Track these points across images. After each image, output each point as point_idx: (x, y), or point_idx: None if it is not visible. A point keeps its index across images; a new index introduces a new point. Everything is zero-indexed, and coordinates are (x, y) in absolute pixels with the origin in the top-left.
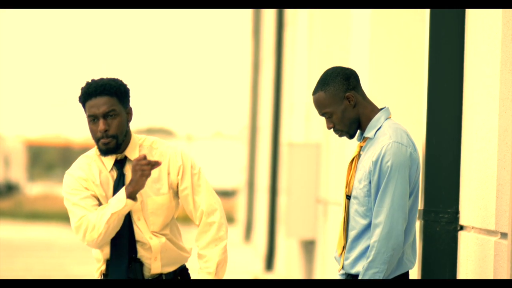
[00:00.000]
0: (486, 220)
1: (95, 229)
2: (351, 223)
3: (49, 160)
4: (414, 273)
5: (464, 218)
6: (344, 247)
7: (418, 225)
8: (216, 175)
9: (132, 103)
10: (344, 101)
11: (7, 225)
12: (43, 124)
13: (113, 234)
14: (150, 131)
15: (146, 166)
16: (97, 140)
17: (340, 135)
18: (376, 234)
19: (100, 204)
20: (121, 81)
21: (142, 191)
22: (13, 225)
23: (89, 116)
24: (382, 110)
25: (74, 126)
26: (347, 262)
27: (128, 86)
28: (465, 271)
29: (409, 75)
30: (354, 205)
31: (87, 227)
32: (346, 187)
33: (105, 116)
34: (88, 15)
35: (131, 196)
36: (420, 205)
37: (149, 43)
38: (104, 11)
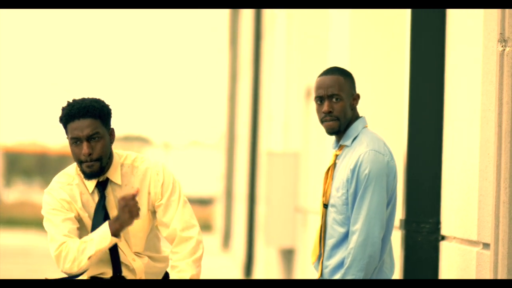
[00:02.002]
0: (468, 231)
1: (76, 261)
2: (329, 231)
3: (25, 167)
4: None
5: (445, 228)
6: (320, 256)
7: (399, 235)
8: (193, 183)
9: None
10: (351, 98)
11: None
12: (19, 130)
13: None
14: (127, 139)
15: (135, 208)
16: (80, 163)
17: (328, 125)
18: (352, 241)
19: (81, 224)
20: (103, 102)
21: None
22: None
23: (71, 139)
24: (359, 119)
25: (51, 133)
26: (326, 270)
27: (110, 107)
28: None
29: (389, 83)
30: (332, 214)
31: (66, 256)
32: (323, 196)
33: (89, 139)
34: (67, 18)
35: (116, 233)
36: (402, 215)
37: (125, 50)
38: (82, 14)
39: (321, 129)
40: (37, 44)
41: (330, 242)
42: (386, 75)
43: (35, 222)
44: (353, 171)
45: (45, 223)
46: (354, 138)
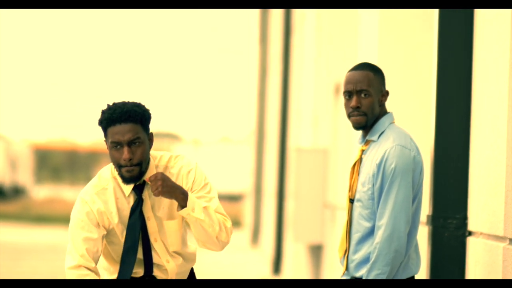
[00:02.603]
0: (494, 226)
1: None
2: (355, 226)
3: (55, 163)
4: (423, 279)
5: (472, 224)
6: (346, 251)
7: (426, 230)
8: (223, 179)
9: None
10: (380, 94)
11: (14, 228)
12: (50, 128)
13: None
14: (157, 136)
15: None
16: (119, 167)
17: (355, 120)
18: (378, 236)
19: (111, 233)
20: (144, 106)
21: (157, 214)
22: (20, 228)
23: (112, 143)
24: (387, 115)
25: (80, 130)
26: (352, 265)
27: (150, 112)
28: (473, 277)
29: (417, 79)
30: (358, 208)
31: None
32: (349, 190)
33: (130, 143)
34: (94, 18)
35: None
36: (429, 211)
37: (157, 48)
38: (111, 13)
39: (350, 125)
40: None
41: (356, 236)
42: (415, 71)
43: (64, 219)
44: (379, 166)
45: (69, 229)
46: (381, 134)
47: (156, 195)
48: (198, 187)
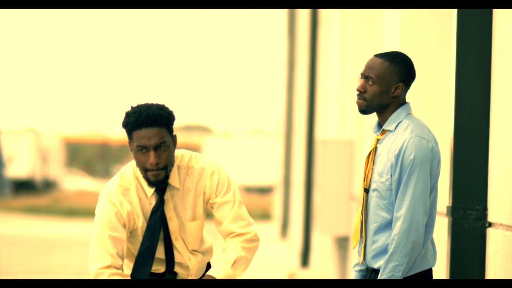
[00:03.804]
0: None
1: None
2: (371, 216)
3: (86, 157)
4: (443, 270)
5: (492, 215)
6: (363, 241)
7: (446, 222)
8: (253, 172)
9: (171, 101)
10: (391, 86)
11: (45, 221)
12: (81, 121)
13: None
14: (188, 129)
15: None
16: (145, 171)
17: (356, 102)
18: (396, 227)
19: (134, 234)
20: (167, 108)
21: (180, 214)
22: (51, 222)
23: (138, 146)
24: (404, 105)
25: (112, 123)
26: (369, 256)
27: (174, 114)
28: (493, 268)
29: (438, 71)
30: (374, 198)
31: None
32: (364, 180)
33: (156, 148)
34: (126, 14)
35: None
36: (448, 202)
37: (188, 41)
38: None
39: (375, 117)
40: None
41: (373, 227)
42: (435, 60)
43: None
44: (397, 157)
45: (96, 228)
46: (398, 124)
47: None
48: (222, 191)
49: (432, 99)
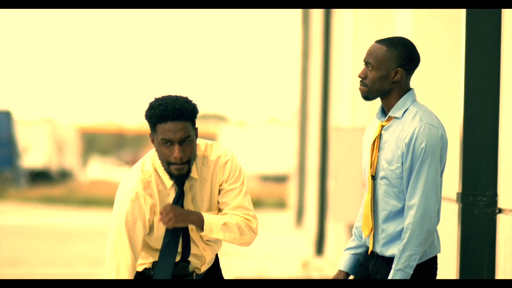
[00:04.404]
0: None
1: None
2: (380, 204)
3: (102, 146)
4: (453, 257)
5: (502, 201)
6: (372, 229)
7: (456, 208)
8: (268, 160)
9: (187, 90)
10: (391, 70)
11: (61, 211)
12: (97, 111)
13: None
14: (204, 117)
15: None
16: (168, 164)
17: (360, 89)
18: (410, 216)
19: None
20: (192, 102)
21: (198, 206)
22: (67, 211)
23: (162, 139)
24: (409, 92)
25: (127, 113)
26: (379, 244)
27: (197, 107)
28: (503, 254)
29: (448, 59)
30: (383, 186)
31: (116, 269)
32: (371, 167)
33: (181, 142)
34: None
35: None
36: (458, 189)
37: (202, 29)
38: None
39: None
40: (115, 28)
41: (382, 215)
42: (446, 52)
43: (111, 202)
44: (408, 145)
45: (116, 226)
46: (405, 111)
47: (170, 226)
48: (232, 178)
49: (442, 86)
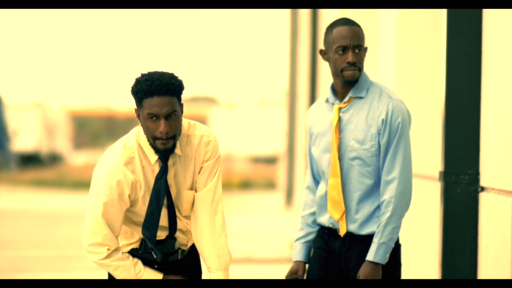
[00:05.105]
0: (505, 181)
1: (104, 267)
2: (354, 184)
3: (93, 130)
4: (436, 235)
5: (484, 180)
6: (344, 211)
7: (438, 187)
8: (258, 142)
9: (178, 72)
10: (366, 50)
11: (51, 194)
12: (87, 94)
13: None
14: (195, 100)
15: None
16: (153, 139)
17: (351, 74)
18: (391, 190)
19: (134, 202)
20: (178, 77)
21: (179, 182)
22: (57, 195)
23: (148, 114)
24: (363, 71)
25: (118, 96)
26: (355, 225)
27: (184, 83)
28: (485, 232)
29: (431, 58)
30: (356, 167)
31: (104, 265)
32: (338, 151)
33: (167, 116)
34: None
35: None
36: (441, 167)
37: (192, 13)
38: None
39: None
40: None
41: (356, 195)
42: (430, 47)
43: None
44: (385, 121)
45: (94, 204)
46: (367, 90)
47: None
48: (213, 159)
49: (424, 66)
